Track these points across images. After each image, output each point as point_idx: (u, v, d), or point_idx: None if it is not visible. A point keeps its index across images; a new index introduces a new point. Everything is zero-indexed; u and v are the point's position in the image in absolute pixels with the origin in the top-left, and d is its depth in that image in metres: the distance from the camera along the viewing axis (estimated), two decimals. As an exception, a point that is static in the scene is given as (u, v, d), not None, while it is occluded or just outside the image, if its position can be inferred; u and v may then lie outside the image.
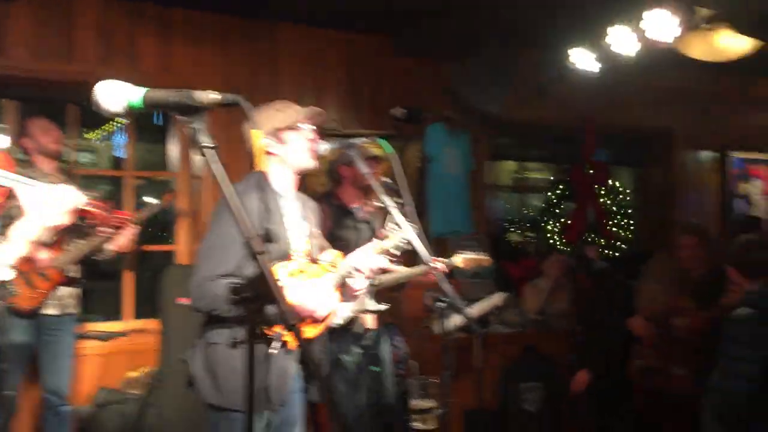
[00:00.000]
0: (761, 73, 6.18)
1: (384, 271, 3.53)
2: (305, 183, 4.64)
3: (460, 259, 3.60)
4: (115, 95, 1.39)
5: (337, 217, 3.61)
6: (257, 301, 1.24)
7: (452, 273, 4.93)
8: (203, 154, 1.33)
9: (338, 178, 3.71)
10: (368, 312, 3.53)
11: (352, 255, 2.96)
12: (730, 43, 4.27)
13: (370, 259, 2.78)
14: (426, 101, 5.14)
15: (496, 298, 3.61)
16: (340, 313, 3.31)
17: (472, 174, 5.35)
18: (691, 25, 4.20)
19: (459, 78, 4.80)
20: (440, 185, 5.13)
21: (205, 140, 1.34)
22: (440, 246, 5.05)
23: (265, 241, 1.26)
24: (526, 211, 6.60)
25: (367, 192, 3.56)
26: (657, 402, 3.84)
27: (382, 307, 3.73)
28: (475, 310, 3.44)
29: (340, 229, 3.56)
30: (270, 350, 2.36)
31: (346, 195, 3.66)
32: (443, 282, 2.71)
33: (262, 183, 2.34)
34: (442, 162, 5.13)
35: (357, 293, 2.81)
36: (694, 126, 6.41)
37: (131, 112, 1.40)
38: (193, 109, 1.36)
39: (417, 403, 2.71)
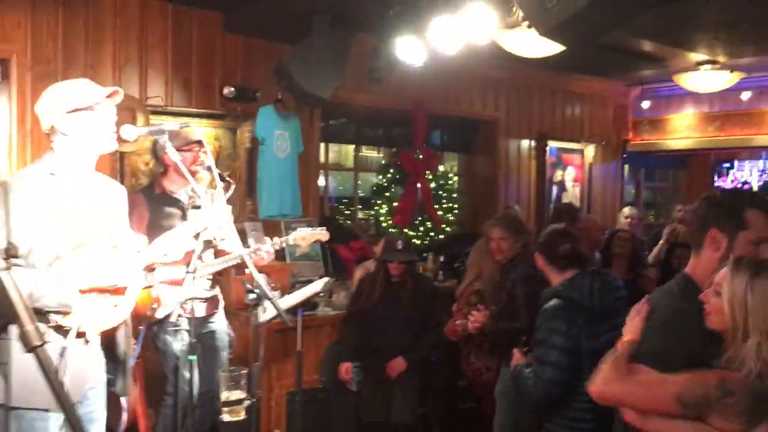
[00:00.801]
0: (574, 70, 6.71)
1: (220, 253, 3.48)
2: (126, 163, 4.50)
3: (297, 237, 3.57)
4: None
5: (161, 207, 3.50)
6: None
7: (283, 255, 4.96)
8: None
9: (163, 166, 3.60)
10: (198, 299, 3.44)
11: (161, 237, 2.90)
12: (541, 42, 4.55)
13: (180, 240, 2.74)
14: (258, 82, 5.07)
15: (317, 285, 3.63)
16: (165, 303, 3.22)
17: (305, 156, 5.36)
18: (509, 23, 4.44)
19: (290, 61, 4.77)
20: (270, 168, 5.10)
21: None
22: (271, 228, 5.04)
23: (8, 256, 1.18)
24: (361, 194, 6.71)
25: (195, 178, 3.48)
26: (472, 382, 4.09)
27: (214, 293, 3.66)
28: (295, 297, 3.45)
29: (166, 219, 3.45)
30: (63, 345, 2.26)
31: (172, 182, 3.56)
32: (254, 272, 2.71)
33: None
34: (273, 145, 5.10)
35: (179, 283, 2.75)
36: (517, 116, 6.86)
37: None
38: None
39: (226, 394, 2.70)
